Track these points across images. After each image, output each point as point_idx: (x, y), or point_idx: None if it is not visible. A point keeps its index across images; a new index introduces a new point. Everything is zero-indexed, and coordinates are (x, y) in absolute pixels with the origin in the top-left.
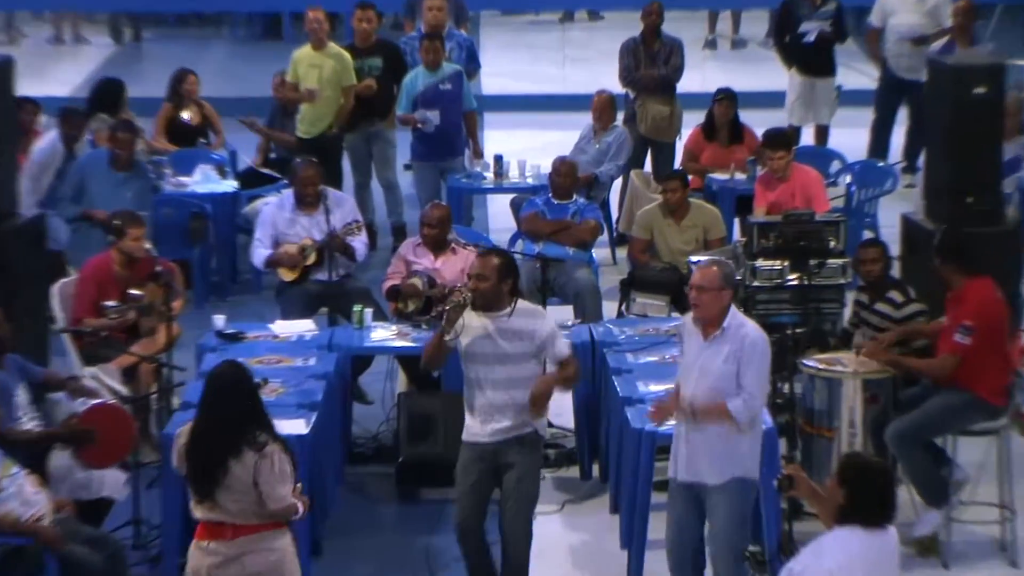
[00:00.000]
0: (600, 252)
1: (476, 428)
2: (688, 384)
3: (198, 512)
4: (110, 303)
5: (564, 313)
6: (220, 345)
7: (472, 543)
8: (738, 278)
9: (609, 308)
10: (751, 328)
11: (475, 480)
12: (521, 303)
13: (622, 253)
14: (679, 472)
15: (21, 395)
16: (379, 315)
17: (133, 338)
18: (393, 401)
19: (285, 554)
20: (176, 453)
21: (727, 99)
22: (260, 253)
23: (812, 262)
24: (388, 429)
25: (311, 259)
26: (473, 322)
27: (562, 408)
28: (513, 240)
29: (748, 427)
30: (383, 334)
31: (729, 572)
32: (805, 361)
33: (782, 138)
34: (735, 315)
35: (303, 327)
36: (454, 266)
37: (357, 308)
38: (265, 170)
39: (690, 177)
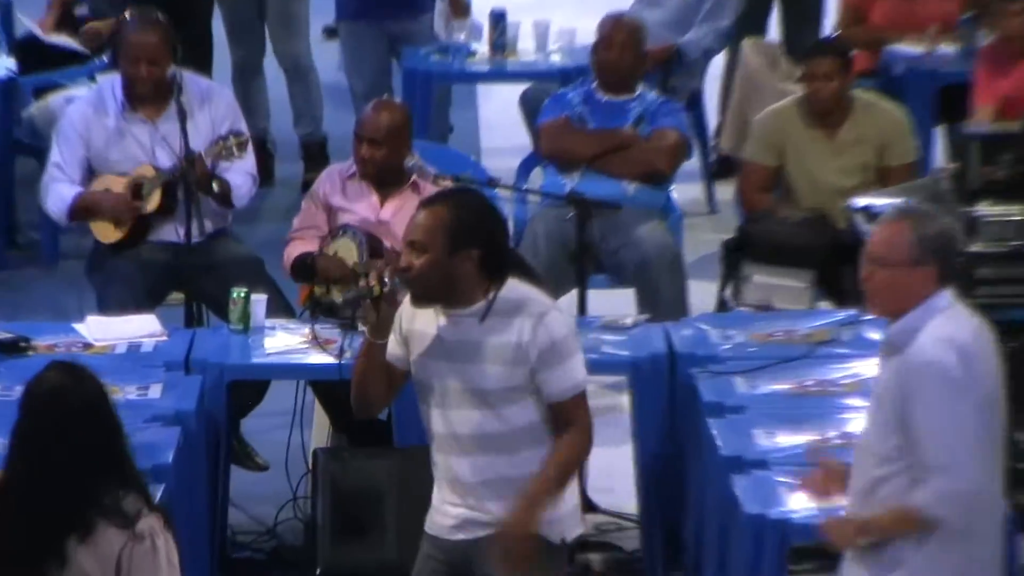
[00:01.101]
0: (685, 190)
1: (436, 512)
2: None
3: None
4: None
5: (618, 301)
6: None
7: None
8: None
9: (701, 293)
10: (925, 339)
11: None
12: (507, 292)
13: (726, 193)
14: None
15: None
16: (279, 306)
17: None
18: (305, 466)
19: None
20: None
21: None
22: (59, 193)
23: None
24: (295, 517)
25: (153, 203)
26: (428, 327)
27: (615, 476)
28: (524, 169)
29: (959, 523)
30: (287, 341)
31: None
32: None
33: None
34: (922, 312)
35: (138, 328)
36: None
37: (238, 293)
38: (63, 40)
39: (852, 51)
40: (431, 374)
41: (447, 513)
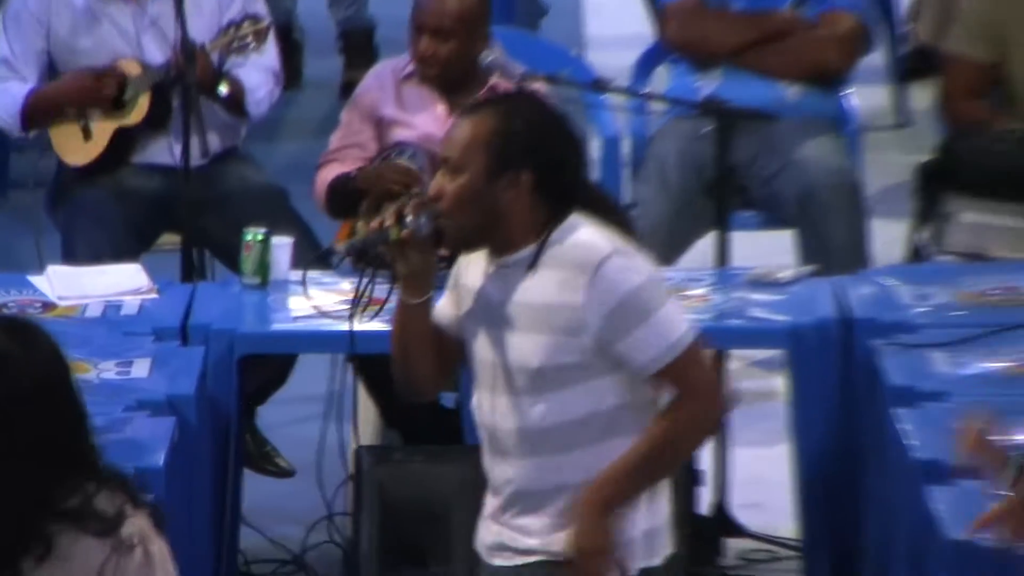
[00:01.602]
0: (865, 95)
1: (481, 527)
2: None
3: None
4: None
5: (772, 247)
6: None
7: None
8: None
9: (886, 236)
10: None
11: None
12: (564, 234)
13: (922, 99)
14: None
15: None
16: (308, 251)
17: None
18: (345, 471)
19: None
20: None
21: None
22: (9, 92)
23: None
24: (331, 540)
25: (138, 112)
26: (477, 281)
27: (766, 486)
28: (643, 66)
29: None
30: (319, 301)
31: None
32: None
33: None
34: None
35: (118, 282)
36: None
37: (254, 235)
38: None
39: None
40: (475, 344)
41: (488, 529)
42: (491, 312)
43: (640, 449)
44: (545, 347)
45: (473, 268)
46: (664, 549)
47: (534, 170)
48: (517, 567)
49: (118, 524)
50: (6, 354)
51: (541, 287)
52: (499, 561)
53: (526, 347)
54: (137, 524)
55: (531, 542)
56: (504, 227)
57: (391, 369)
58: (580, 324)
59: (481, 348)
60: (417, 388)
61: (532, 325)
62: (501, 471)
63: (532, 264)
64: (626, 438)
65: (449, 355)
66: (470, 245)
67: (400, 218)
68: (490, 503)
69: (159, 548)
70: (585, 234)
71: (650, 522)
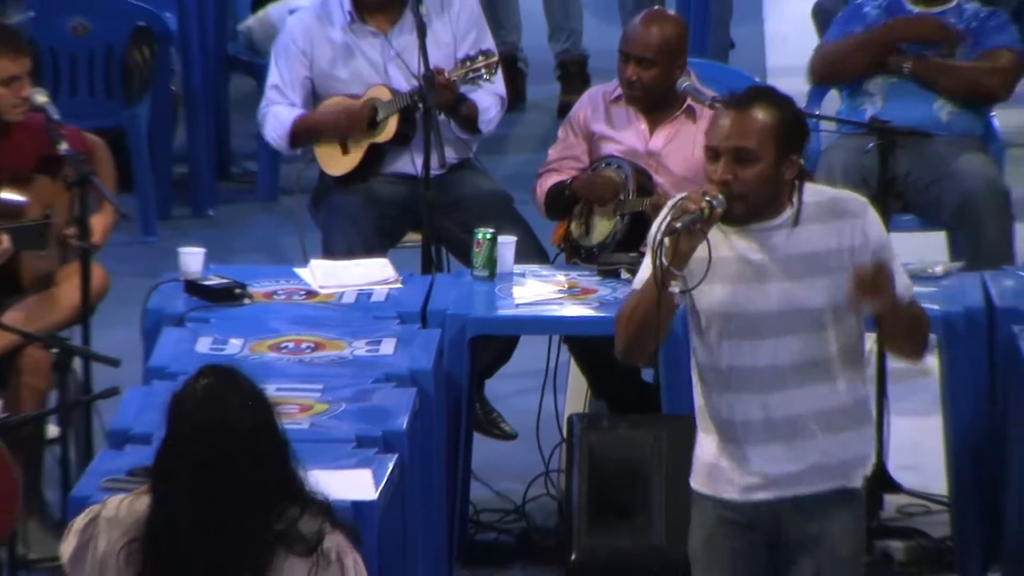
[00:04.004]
0: (1007, 116)
1: (731, 471)
2: None
3: None
4: None
5: (926, 246)
6: (195, 311)
7: None
8: None
9: None
10: None
11: (741, 570)
12: (812, 191)
13: None
14: None
15: None
16: (529, 248)
17: (10, 294)
18: (559, 435)
19: None
20: (89, 564)
21: None
22: (281, 116)
23: None
24: (547, 493)
25: (388, 131)
26: (720, 251)
27: (922, 451)
28: (816, 91)
29: None
30: (538, 290)
31: None
32: None
33: None
34: None
35: (369, 274)
36: (690, 146)
37: (483, 234)
38: None
39: None
40: (737, 301)
41: (742, 473)
42: (760, 269)
43: (916, 312)
44: (826, 287)
45: (720, 246)
46: (864, 478)
47: (802, 151)
48: (802, 497)
49: (319, 542)
50: (223, 401)
51: (812, 238)
52: (775, 492)
53: (811, 289)
54: (335, 540)
55: (806, 464)
56: (777, 199)
57: (606, 349)
58: (850, 259)
59: (748, 302)
60: (645, 351)
61: (812, 270)
62: (775, 404)
63: (796, 222)
64: (858, 376)
65: (667, 327)
66: (749, 220)
67: (708, 200)
68: (739, 458)
69: (353, 561)
70: (827, 190)
71: (869, 449)
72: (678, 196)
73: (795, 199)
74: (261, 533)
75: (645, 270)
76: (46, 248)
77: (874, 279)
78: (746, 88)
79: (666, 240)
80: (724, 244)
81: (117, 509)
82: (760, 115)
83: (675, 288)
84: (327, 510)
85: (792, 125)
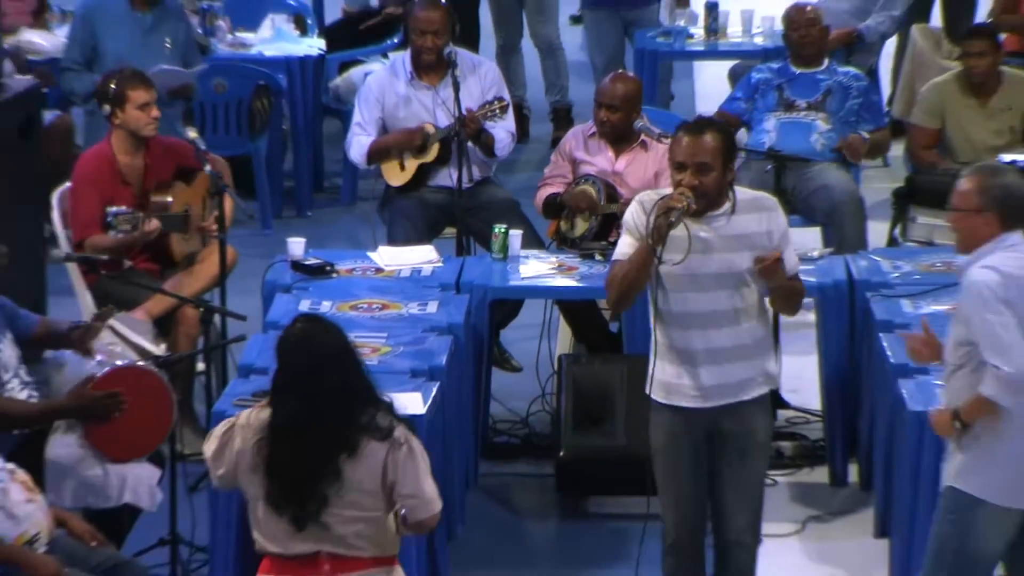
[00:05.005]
0: None
1: (680, 384)
2: None
3: (288, 546)
4: (115, 208)
5: (809, 238)
6: (298, 283)
7: (687, 563)
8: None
9: (876, 231)
10: (976, 268)
11: (688, 459)
12: (743, 192)
13: (897, 150)
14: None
15: (6, 351)
16: (531, 239)
17: (166, 267)
18: (552, 368)
19: None
20: (228, 458)
21: None
22: (360, 145)
23: None
24: (544, 409)
25: (432, 154)
26: (680, 231)
27: (803, 380)
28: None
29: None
30: (537, 268)
31: None
32: None
33: None
34: (989, 249)
35: (419, 256)
36: (643, 168)
37: (499, 229)
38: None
39: (1003, 36)
40: (690, 265)
41: (693, 386)
42: (708, 244)
43: (797, 285)
44: (749, 257)
45: (676, 229)
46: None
47: (734, 164)
48: (730, 405)
49: (391, 431)
50: (313, 334)
51: (742, 223)
52: (714, 400)
53: (737, 260)
54: (402, 430)
55: (736, 379)
56: (721, 196)
57: (585, 308)
58: (769, 241)
59: (701, 267)
60: (629, 304)
61: (742, 245)
62: (717, 338)
63: (733, 212)
64: (763, 317)
65: (646, 284)
66: (704, 210)
67: (687, 199)
68: (690, 375)
69: (417, 444)
70: (747, 190)
71: (774, 369)
72: (655, 195)
73: (731, 196)
74: (350, 425)
75: (623, 246)
76: (187, 232)
77: (770, 267)
78: (696, 119)
79: (659, 225)
80: (682, 226)
81: (248, 418)
82: (710, 139)
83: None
84: (393, 412)
85: (730, 145)
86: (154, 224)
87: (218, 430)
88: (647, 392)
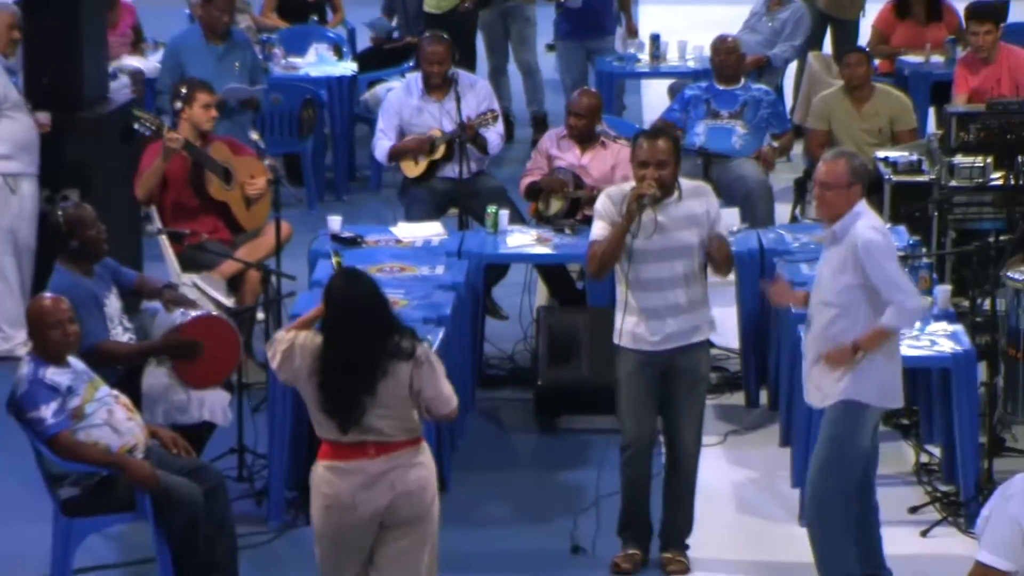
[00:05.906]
0: None
1: (644, 333)
2: (811, 301)
3: (339, 437)
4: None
5: (729, 217)
6: (336, 250)
7: (641, 465)
8: (932, 177)
9: (781, 211)
10: (860, 228)
11: (646, 389)
12: (685, 182)
13: (797, 148)
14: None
15: (112, 303)
16: (516, 217)
17: (235, 232)
18: (532, 317)
19: (432, 469)
20: (290, 369)
21: None
22: (383, 145)
23: (1020, 159)
24: (525, 349)
25: (439, 152)
26: (644, 215)
27: (724, 325)
28: None
29: (910, 326)
30: (521, 239)
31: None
32: (1010, 274)
33: (989, 10)
34: (852, 215)
35: (429, 230)
36: (603, 162)
37: (491, 209)
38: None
39: (877, 61)
40: (651, 240)
41: (651, 333)
42: (663, 224)
43: (727, 251)
44: (695, 234)
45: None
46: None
47: (680, 161)
48: (680, 347)
49: (414, 351)
50: (351, 280)
51: (688, 207)
52: (668, 344)
53: (689, 234)
54: (423, 349)
55: (686, 327)
56: (673, 186)
57: (558, 271)
58: (707, 221)
59: (660, 242)
60: (606, 273)
61: (689, 225)
62: (677, 297)
63: (680, 198)
64: (703, 277)
65: (620, 256)
66: (664, 198)
67: (653, 189)
68: (649, 325)
69: (435, 357)
70: (688, 181)
71: (711, 318)
72: (618, 190)
73: (678, 186)
74: (384, 348)
75: (598, 229)
76: (228, 183)
77: (718, 248)
78: (652, 127)
79: (632, 209)
80: (647, 212)
81: (306, 339)
82: (664, 142)
83: (633, 236)
84: (414, 336)
85: (678, 147)
86: (174, 136)
87: (282, 342)
88: (615, 341)
